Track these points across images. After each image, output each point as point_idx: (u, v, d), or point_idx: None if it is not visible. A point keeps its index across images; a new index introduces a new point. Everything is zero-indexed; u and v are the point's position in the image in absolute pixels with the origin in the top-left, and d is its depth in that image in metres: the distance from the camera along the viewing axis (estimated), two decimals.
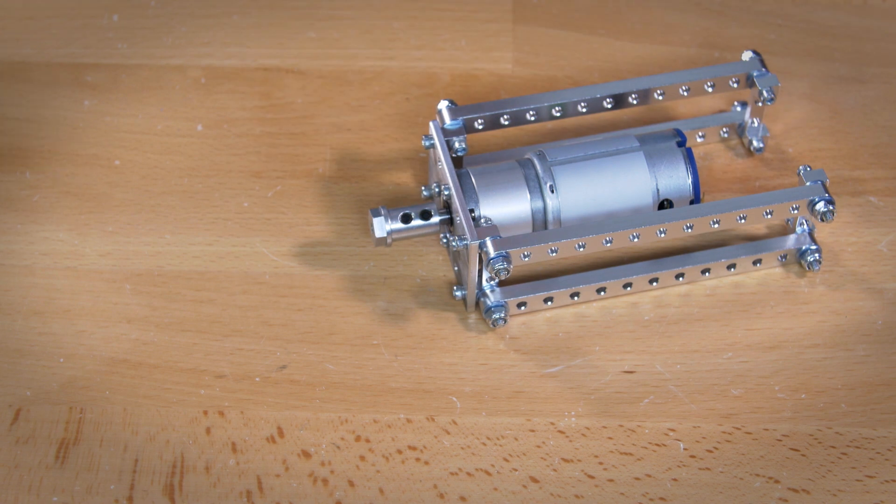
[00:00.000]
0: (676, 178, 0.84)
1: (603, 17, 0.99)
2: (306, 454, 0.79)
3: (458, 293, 0.84)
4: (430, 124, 0.85)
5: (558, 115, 0.87)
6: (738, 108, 0.92)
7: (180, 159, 0.91)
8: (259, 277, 0.86)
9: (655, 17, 0.99)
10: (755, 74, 0.88)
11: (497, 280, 0.83)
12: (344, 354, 0.83)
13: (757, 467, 0.79)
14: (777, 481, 0.78)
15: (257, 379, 0.82)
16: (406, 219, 0.85)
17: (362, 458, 0.79)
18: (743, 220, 0.83)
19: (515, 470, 0.79)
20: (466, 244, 0.81)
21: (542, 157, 0.84)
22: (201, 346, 0.83)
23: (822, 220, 0.83)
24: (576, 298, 0.84)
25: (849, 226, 0.88)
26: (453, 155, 0.85)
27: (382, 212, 0.84)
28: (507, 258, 0.80)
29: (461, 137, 0.85)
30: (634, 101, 0.88)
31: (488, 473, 0.79)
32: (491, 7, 0.99)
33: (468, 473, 0.79)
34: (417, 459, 0.79)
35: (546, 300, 0.84)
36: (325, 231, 0.88)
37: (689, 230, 0.82)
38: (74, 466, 0.79)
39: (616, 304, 0.85)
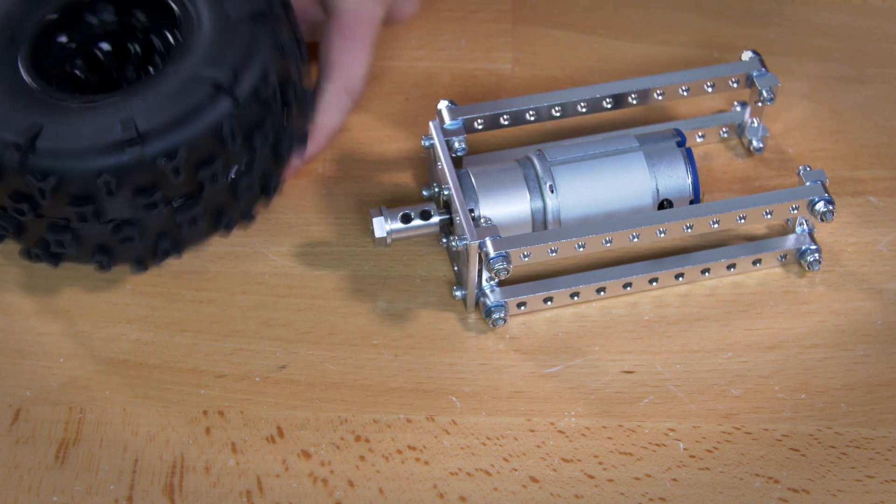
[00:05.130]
0: (676, 178, 0.84)
1: (603, 17, 0.99)
2: (306, 454, 0.79)
3: (458, 293, 0.84)
4: (430, 124, 0.85)
5: (558, 115, 0.87)
6: (738, 108, 0.92)
7: None
8: (259, 277, 0.86)
9: (655, 17, 0.99)
10: (755, 74, 0.88)
11: (497, 280, 0.83)
12: (344, 354, 0.83)
13: (757, 467, 0.79)
14: (777, 481, 0.78)
15: (257, 379, 0.82)
16: (406, 219, 0.84)
17: (362, 458, 0.79)
18: (743, 220, 0.83)
19: (515, 470, 0.79)
20: (466, 244, 0.81)
21: (541, 156, 0.84)
22: (201, 347, 0.83)
23: (822, 220, 0.83)
24: (576, 298, 0.84)
25: (849, 226, 0.88)
26: (453, 155, 0.85)
27: (382, 212, 0.84)
28: (506, 258, 0.80)
29: (461, 137, 0.85)
30: (634, 101, 0.88)
31: (488, 473, 0.79)
32: (491, 7, 0.99)
33: (468, 473, 0.79)
34: (417, 459, 0.79)
35: (546, 300, 0.84)
36: (325, 231, 0.88)
37: (689, 230, 0.82)
38: (74, 466, 0.79)
39: (616, 304, 0.85)
